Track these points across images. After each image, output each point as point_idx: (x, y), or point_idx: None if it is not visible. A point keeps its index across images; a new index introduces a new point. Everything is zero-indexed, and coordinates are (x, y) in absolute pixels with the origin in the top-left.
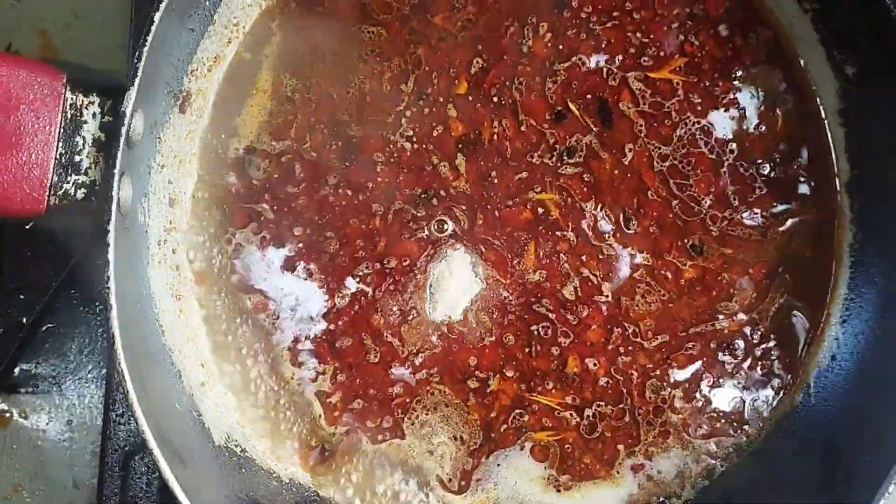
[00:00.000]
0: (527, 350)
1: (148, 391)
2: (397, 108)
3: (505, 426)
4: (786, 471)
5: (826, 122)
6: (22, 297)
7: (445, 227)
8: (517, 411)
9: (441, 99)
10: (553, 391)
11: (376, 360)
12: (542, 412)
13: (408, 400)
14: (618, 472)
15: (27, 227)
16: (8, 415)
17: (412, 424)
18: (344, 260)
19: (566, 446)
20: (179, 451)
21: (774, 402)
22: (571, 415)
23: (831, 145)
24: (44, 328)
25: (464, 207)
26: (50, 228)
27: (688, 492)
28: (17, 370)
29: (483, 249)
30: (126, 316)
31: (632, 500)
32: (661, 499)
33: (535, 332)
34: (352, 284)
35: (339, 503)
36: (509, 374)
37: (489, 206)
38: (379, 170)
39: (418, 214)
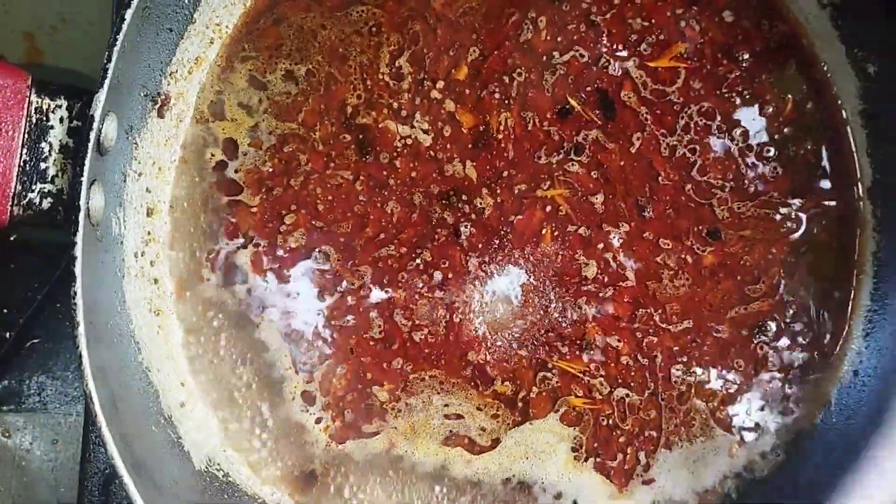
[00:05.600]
0: (546, 322)
1: (121, 413)
2: (404, 89)
3: (536, 390)
4: (807, 489)
5: (847, 124)
6: (5, 311)
7: (463, 230)
8: (541, 374)
9: (441, 84)
10: (573, 360)
11: (380, 336)
12: (569, 379)
13: (405, 388)
14: (630, 491)
15: (11, 238)
16: None
17: (411, 413)
18: (361, 244)
19: (601, 419)
20: (155, 477)
21: (800, 407)
22: (601, 383)
23: (853, 148)
24: (28, 344)
25: (486, 210)
26: (33, 241)
27: None
28: None
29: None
30: (98, 333)
31: None
32: None
33: (555, 310)
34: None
35: None
36: (523, 353)
37: (505, 209)
38: (398, 165)
39: (442, 214)
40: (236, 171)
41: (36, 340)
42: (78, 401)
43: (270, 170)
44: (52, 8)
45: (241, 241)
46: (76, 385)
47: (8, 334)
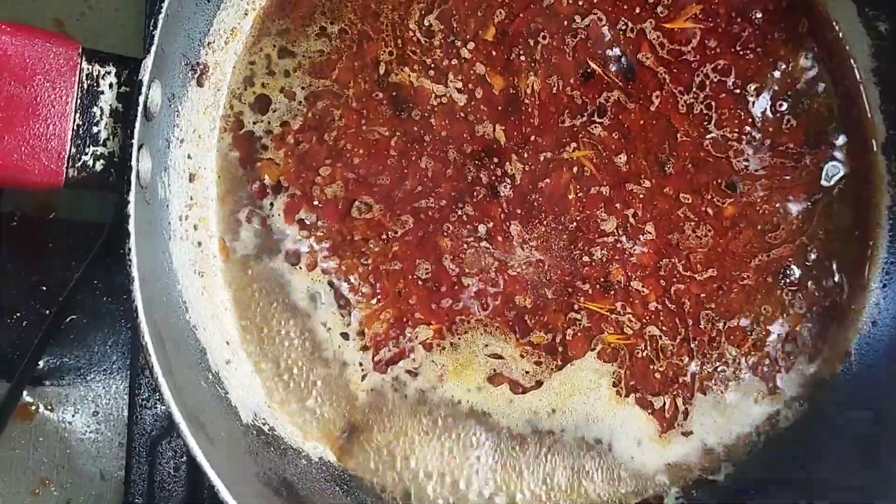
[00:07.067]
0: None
1: (173, 369)
2: (435, 46)
3: (571, 332)
4: (829, 440)
5: (860, 81)
6: (44, 288)
7: (503, 190)
8: (571, 315)
9: (472, 46)
10: (599, 299)
11: (427, 276)
12: (599, 319)
13: (451, 328)
14: (668, 438)
15: (49, 217)
16: (34, 407)
17: (456, 351)
18: (400, 195)
19: (636, 352)
20: (207, 430)
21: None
22: (630, 319)
23: (866, 105)
24: (67, 320)
25: (516, 176)
26: (71, 219)
27: (729, 467)
28: (41, 363)
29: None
30: (149, 292)
31: (675, 466)
32: (700, 472)
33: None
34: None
35: (371, 481)
36: (549, 294)
37: (534, 175)
38: (433, 122)
39: (477, 174)
40: (269, 126)
41: (75, 317)
42: (117, 373)
43: (301, 123)
44: None
45: (277, 196)
46: (114, 359)
47: (47, 311)
